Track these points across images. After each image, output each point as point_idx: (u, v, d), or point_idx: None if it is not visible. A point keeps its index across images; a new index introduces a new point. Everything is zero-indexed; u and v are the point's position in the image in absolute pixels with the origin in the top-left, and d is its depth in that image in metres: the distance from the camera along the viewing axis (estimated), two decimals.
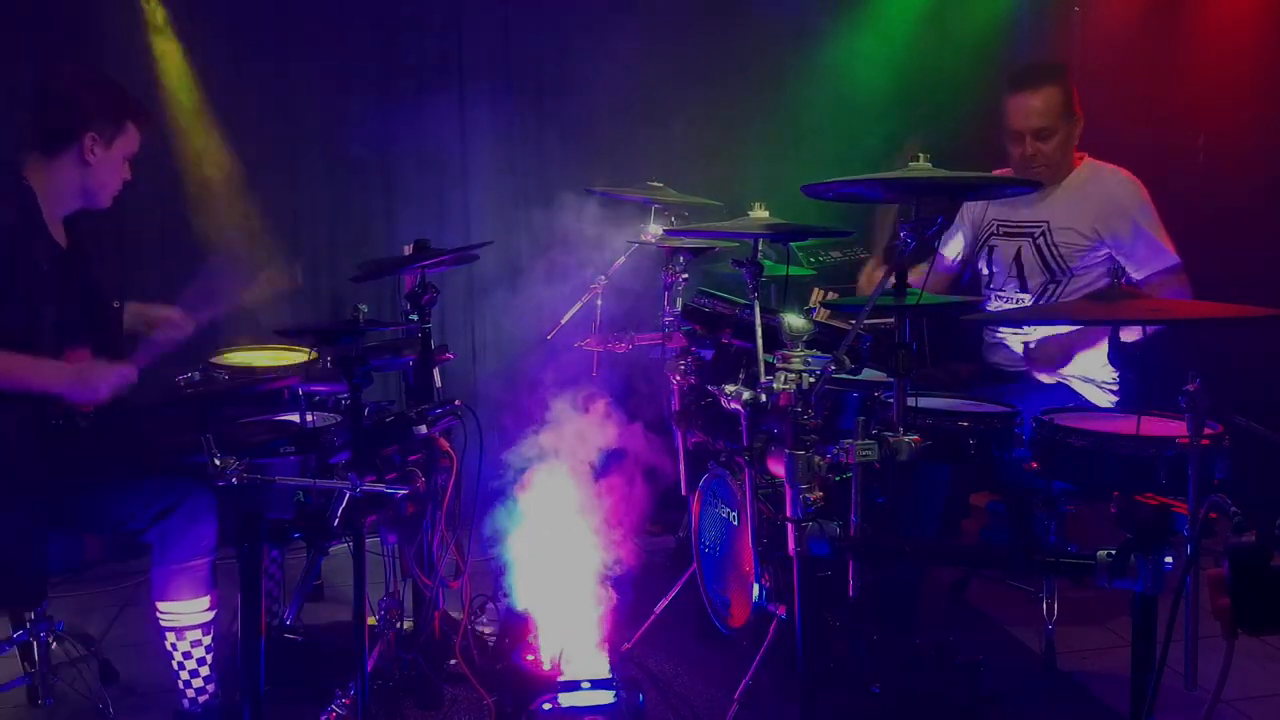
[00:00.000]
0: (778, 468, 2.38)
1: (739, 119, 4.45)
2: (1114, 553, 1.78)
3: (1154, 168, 3.22)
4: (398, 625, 2.70)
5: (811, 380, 2.17)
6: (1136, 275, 3.12)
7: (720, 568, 2.91)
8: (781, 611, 2.52)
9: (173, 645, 2.52)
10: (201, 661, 2.53)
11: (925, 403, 2.47)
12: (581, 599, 2.68)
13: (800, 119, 4.48)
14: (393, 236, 4.15)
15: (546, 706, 2.44)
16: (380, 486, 2.23)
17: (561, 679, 2.49)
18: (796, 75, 4.46)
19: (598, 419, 2.81)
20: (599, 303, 3.39)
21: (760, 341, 2.52)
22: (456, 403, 2.67)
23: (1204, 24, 3.98)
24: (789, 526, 2.05)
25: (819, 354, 2.35)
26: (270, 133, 4.09)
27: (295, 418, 2.58)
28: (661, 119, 4.37)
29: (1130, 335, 2.73)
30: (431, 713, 2.69)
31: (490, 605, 3.00)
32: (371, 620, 2.60)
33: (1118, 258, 3.13)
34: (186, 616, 2.50)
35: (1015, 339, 3.28)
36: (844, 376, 2.17)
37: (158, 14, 3.90)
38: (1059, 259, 3.17)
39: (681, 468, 3.12)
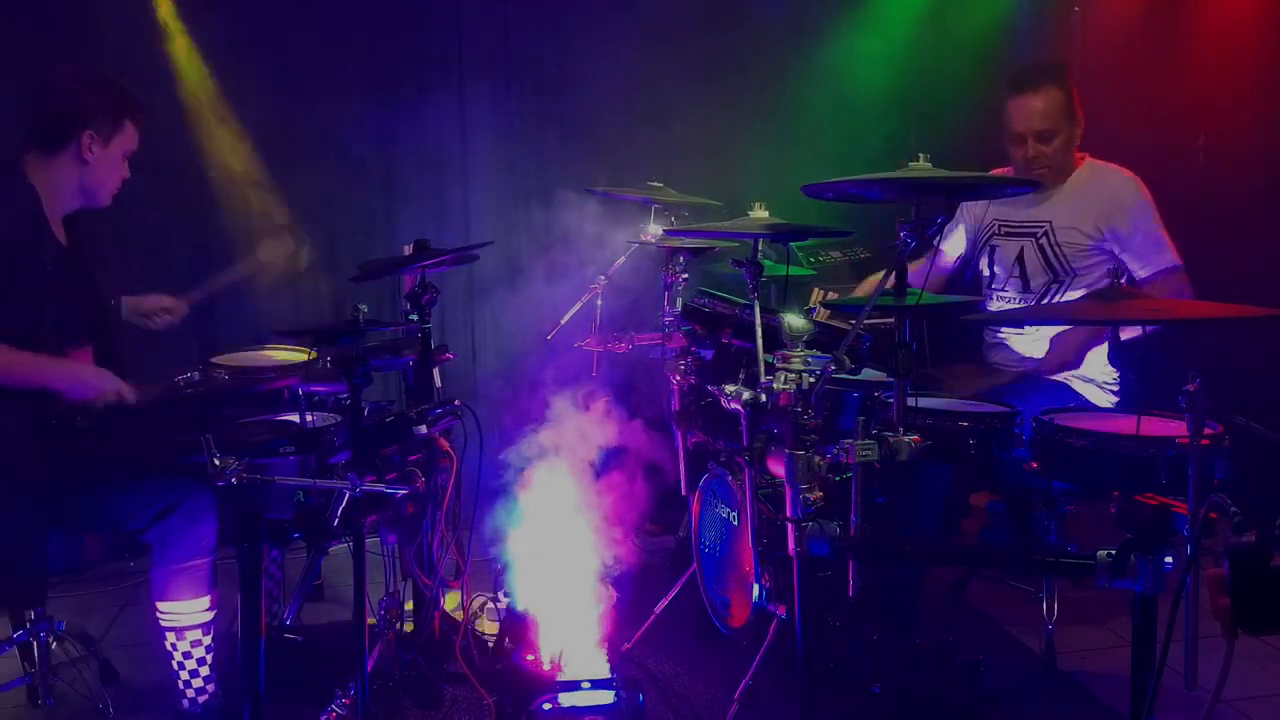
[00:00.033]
0: (778, 468, 2.38)
1: (739, 119, 4.44)
2: (1114, 553, 1.78)
3: (1154, 168, 3.23)
4: (398, 625, 2.70)
5: (811, 380, 2.17)
6: (1140, 275, 3.13)
7: (720, 568, 2.91)
8: (781, 611, 2.52)
9: (173, 645, 2.52)
10: (201, 661, 2.53)
11: (925, 403, 2.47)
12: (581, 599, 2.68)
13: (800, 119, 4.48)
14: (393, 236, 4.15)
15: (546, 706, 2.44)
16: (380, 486, 2.23)
17: (561, 679, 2.49)
18: (796, 75, 4.46)
19: (598, 417, 2.81)
20: (599, 302, 3.39)
21: (760, 341, 2.52)
22: (456, 402, 2.67)
23: (1204, 24, 3.98)
24: (789, 526, 2.05)
25: (819, 354, 2.35)
26: (269, 132, 4.09)
27: (295, 418, 2.58)
28: (661, 119, 4.38)
29: (1129, 333, 2.73)
30: (431, 713, 2.69)
31: (490, 605, 3.00)
32: (371, 620, 2.60)
33: (1121, 257, 3.13)
34: (186, 616, 2.50)
35: (1017, 339, 3.28)
36: (844, 376, 2.17)
37: (164, 9, 3.91)
38: (1062, 259, 3.17)
39: (681, 468, 3.12)
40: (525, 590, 2.74)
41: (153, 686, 2.83)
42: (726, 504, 2.83)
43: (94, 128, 2.56)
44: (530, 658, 2.57)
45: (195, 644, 2.52)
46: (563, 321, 3.46)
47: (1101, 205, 3.13)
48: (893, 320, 2.29)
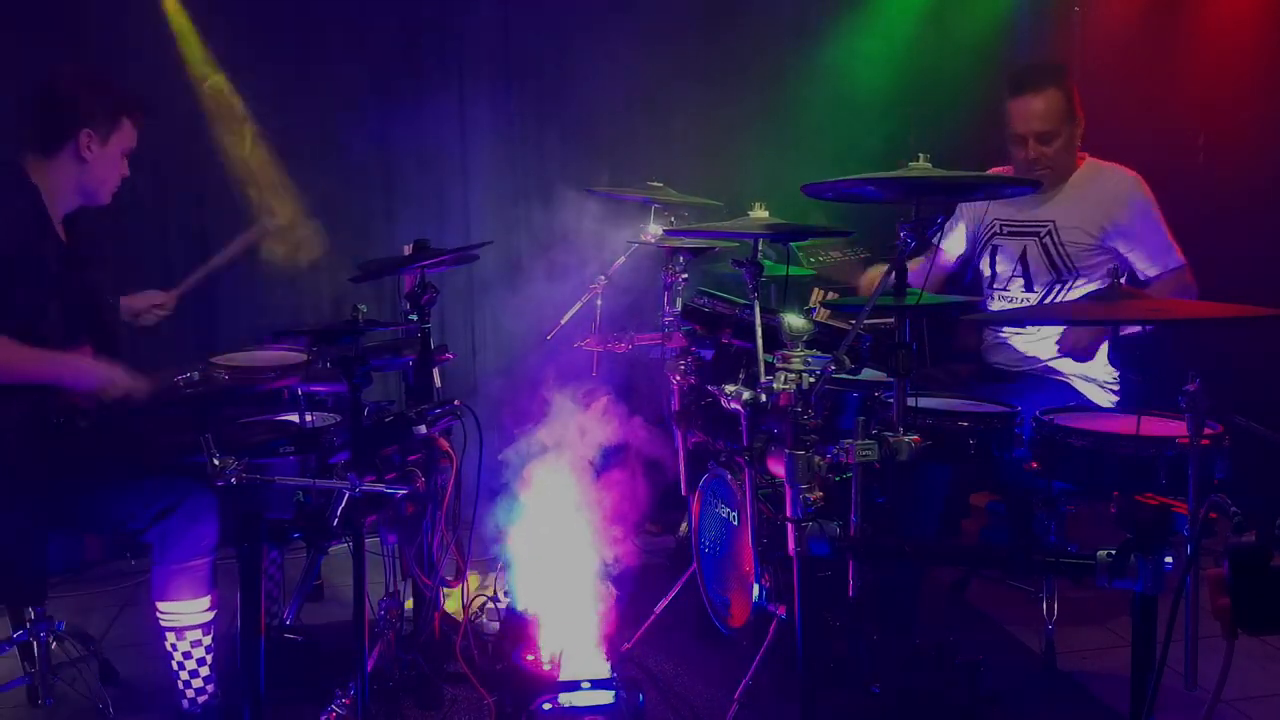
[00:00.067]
0: (778, 468, 2.38)
1: (739, 119, 4.44)
2: (1114, 553, 1.78)
3: (1154, 168, 3.22)
4: (397, 625, 2.70)
5: (811, 380, 2.17)
6: (1144, 274, 3.13)
7: (720, 568, 2.91)
8: (781, 611, 2.52)
9: (173, 645, 2.52)
10: (201, 662, 2.53)
11: (925, 403, 2.47)
12: (581, 599, 2.68)
13: (800, 119, 4.48)
14: (393, 236, 4.14)
15: (546, 706, 2.44)
16: (380, 486, 2.23)
17: (561, 679, 2.49)
18: (796, 75, 4.46)
19: (597, 416, 2.82)
20: (599, 302, 3.39)
21: (760, 341, 2.52)
22: (456, 402, 2.67)
23: (1204, 24, 3.98)
24: (789, 526, 2.05)
25: (819, 354, 2.35)
26: (269, 132, 4.09)
27: (295, 418, 2.58)
28: (661, 119, 4.37)
29: (1130, 328, 2.73)
30: (431, 713, 2.69)
31: (490, 605, 3.00)
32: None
33: (1125, 256, 3.13)
34: (187, 616, 2.50)
35: (1018, 339, 3.28)
36: (844, 376, 2.17)
37: (171, 8, 3.92)
38: (1066, 258, 3.17)
39: (681, 468, 3.12)
40: (525, 590, 2.74)
41: (153, 686, 2.83)
42: (726, 504, 2.83)
43: (92, 126, 2.56)
44: (530, 658, 2.57)
45: (195, 644, 2.52)
46: (563, 321, 3.46)
47: (1104, 204, 3.13)
48: (893, 320, 2.29)
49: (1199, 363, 1.85)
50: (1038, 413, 2.35)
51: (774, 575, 2.56)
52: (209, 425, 2.14)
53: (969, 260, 3.49)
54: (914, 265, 3.00)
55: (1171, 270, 3.11)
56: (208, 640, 2.54)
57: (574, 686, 2.47)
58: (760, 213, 2.62)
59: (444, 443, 2.64)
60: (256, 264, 3.56)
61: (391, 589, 2.73)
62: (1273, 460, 1.96)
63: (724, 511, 2.85)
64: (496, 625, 2.95)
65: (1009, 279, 3.29)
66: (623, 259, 3.43)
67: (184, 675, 2.53)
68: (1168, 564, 1.76)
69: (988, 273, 3.37)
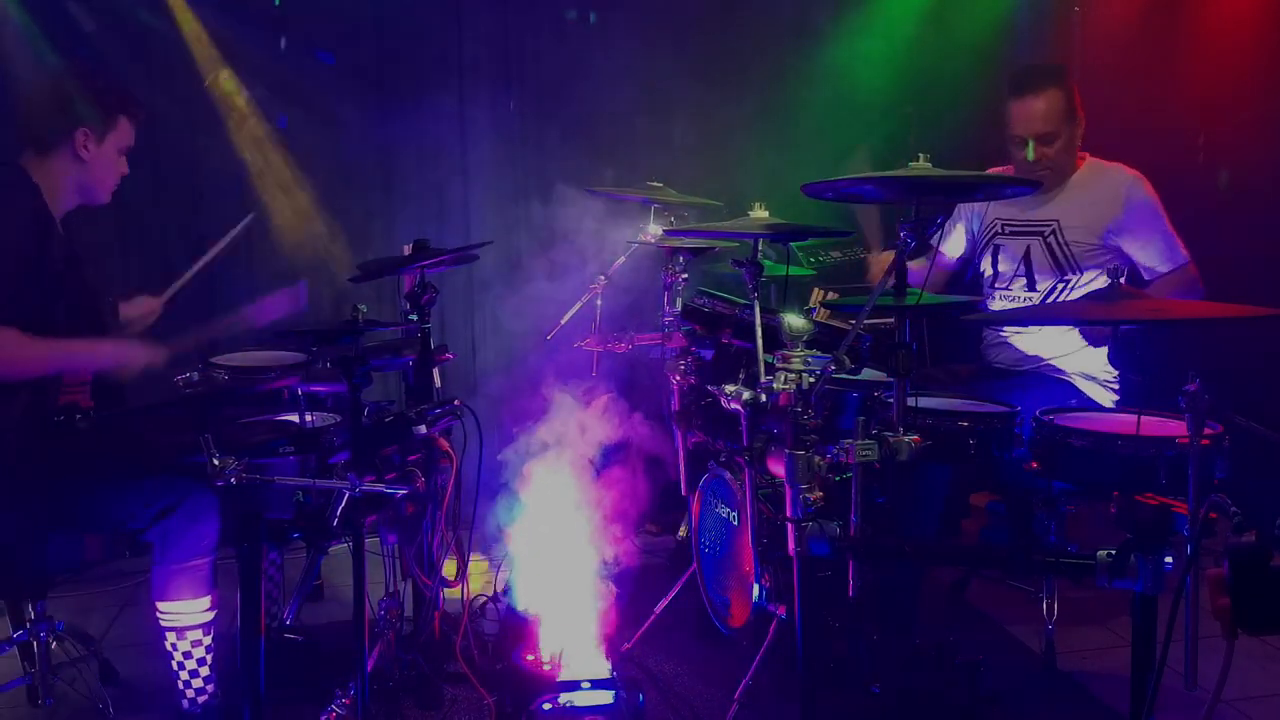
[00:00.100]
0: (778, 468, 2.38)
1: (739, 119, 4.44)
2: (1114, 553, 1.78)
3: (1154, 168, 3.23)
4: (397, 625, 2.70)
5: (811, 380, 2.17)
6: (1149, 272, 3.12)
7: (720, 568, 2.91)
8: (781, 611, 2.52)
9: (173, 645, 2.52)
10: (202, 662, 2.53)
11: (925, 403, 2.47)
12: (582, 598, 2.68)
13: (800, 119, 4.47)
14: (393, 236, 4.15)
15: (546, 706, 2.45)
16: (380, 486, 2.23)
17: (561, 679, 2.49)
18: (797, 75, 4.45)
19: (598, 415, 2.82)
20: (599, 302, 3.39)
21: (760, 341, 2.52)
22: (456, 402, 2.67)
23: (1204, 24, 3.98)
24: (789, 526, 2.05)
25: (819, 354, 2.35)
26: (269, 131, 4.09)
27: (295, 418, 2.58)
28: (661, 119, 4.37)
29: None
30: (431, 713, 2.69)
31: (490, 605, 3.00)
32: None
33: (1129, 254, 3.13)
34: (187, 616, 2.50)
35: (1019, 337, 3.28)
36: (844, 376, 2.17)
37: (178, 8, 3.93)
38: (1070, 257, 3.17)
39: (681, 468, 3.12)
40: (525, 590, 2.74)
41: (153, 686, 2.83)
42: (726, 504, 2.83)
43: (87, 125, 2.56)
44: (530, 658, 2.57)
45: (195, 644, 2.52)
46: (562, 321, 3.46)
47: (1107, 204, 3.13)
48: (893, 320, 2.29)
49: (1199, 363, 1.85)
50: (1038, 412, 2.35)
51: (774, 575, 2.56)
52: (209, 425, 2.14)
53: (969, 261, 3.49)
54: (916, 265, 3.01)
55: (1177, 267, 3.11)
56: (208, 640, 2.54)
57: (574, 686, 2.47)
58: (760, 213, 2.62)
59: (444, 443, 2.64)
60: (256, 264, 3.57)
61: (391, 589, 2.73)
62: (1273, 460, 1.96)
63: (724, 511, 2.85)
64: (496, 625, 2.95)
65: (1011, 278, 3.29)
66: (623, 259, 3.43)
67: (184, 675, 2.53)
68: (1168, 564, 1.77)
69: (989, 272, 3.37)
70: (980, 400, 2.62)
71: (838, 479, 2.20)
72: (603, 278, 3.40)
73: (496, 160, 4.32)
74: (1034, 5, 4.54)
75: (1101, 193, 3.16)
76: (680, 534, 3.68)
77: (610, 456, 2.88)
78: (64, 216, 2.64)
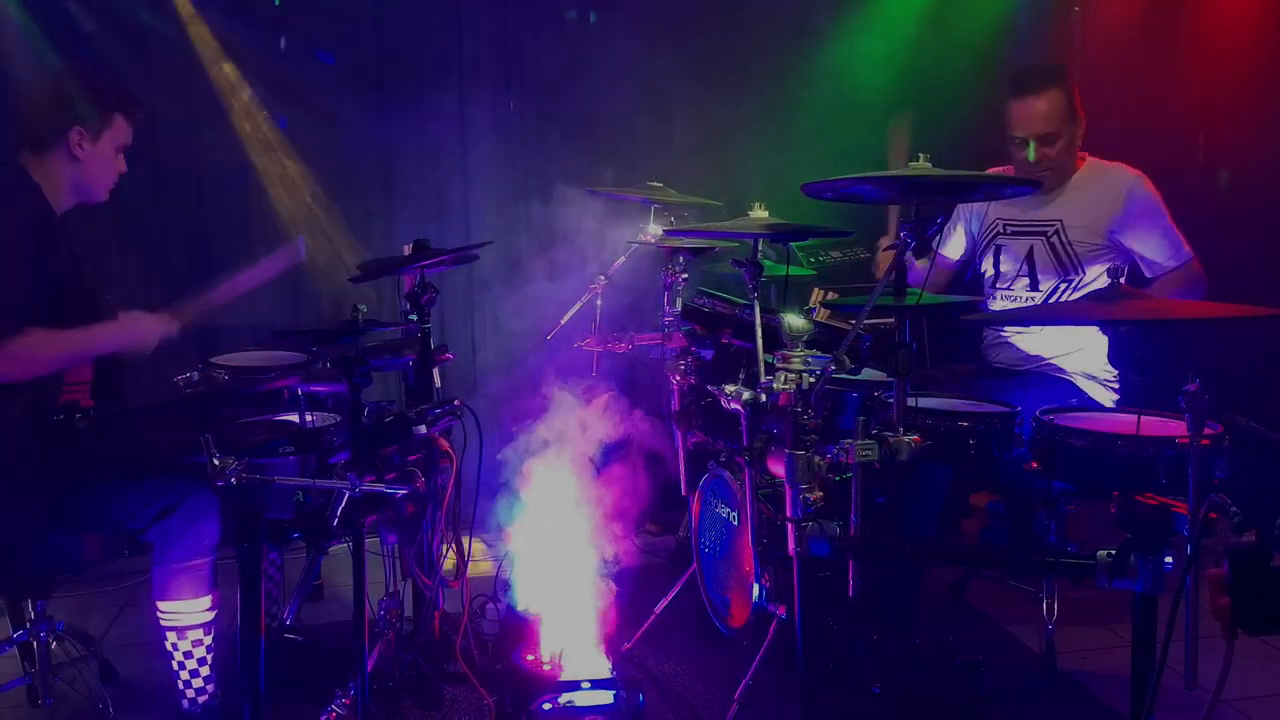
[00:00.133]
0: (778, 468, 2.38)
1: (739, 119, 4.44)
2: (1114, 553, 1.78)
3: (1154, 168, 3.23)
4: (398, 625, 2.70)
5: (811, 380, 2.17)
6: (1160, 266, 3.12)
7: (720, 568, 2.91)
8: (781, 611, 2.52)
9: (173, 645, 2.52)
10: (202, 661, 2.53)
11: (925, 403, 2.47)
12: (581, 598, 2.68)
13: (800, 119, 4.47)
14: (393, 236, 4.15)
15: (546, 706, 2.45)
16: (380, 486, 2.23)
17: (561, 679, 2.49)
18: (796, 75, 4.45)
19: (598, 415, 2.82)
20: (599, 302, 3.39)
21: (760, 341, 2.52)
22: (456, 402, 2.67)
23: (1204, 24, 3.98)
24: (789, 526, 2.05)
25: (819, 354, 2.35)
26: (269, 131, 4.09)
27: (295, 418, 2.58)
28: (661, 119, 4.37)
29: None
30: (431, 713, 2.69)
31: (490, 605, 3.00)
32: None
33: (1132, 253, 3.13)
34: (187, 616, 2.50)
35: (1020, 337, 3.28)
36: (844, 376, 2.17)
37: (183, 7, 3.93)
38: (1073, 257, 3.17)
39: (681, 468, 3.12)
40: (525, 590, 2.74)
41: (153, 686, 2.83)
42: (726, 504, 2.83)
43: (81, 124, 2.55)
44: (530, 658, 2.57)
45: (196, 644, 2.52)
46: (562, 321, 3.46)
47: (1109, 203, 3.14)
48: (893, 320, 2.29)
49: (1199, 363, 1.85)
50: (1038, 412, 2.35)
51: (774, 575, 2.56)
52: (209, 425, 2.14)
53: (970, 261, 3.49)
54: (921, 264, 3.01)
55: (1181, 264, 3.11)
56: (208, 640, 2.54)
57: (574, 686, 2.47)
58: (760, 213, 2.62)
59: (444, 442, 2.64)
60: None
61: (391, 589, 2.73)
62: (1273, 460, 1.96)
63: (724, 511, 2.85)
64: (496, 625, 2.95)
65: (1014, 278, 3.29)
66: (623, 259, 3.43)
67: (184, 675, 2.53)
68: (1168, 564, 1.77)
69: (990, 272, 3.36)
70: (980, 400, 2.62)
71: (838, 479, 2.20)
72: (603, 278, 3.40)
73: (496, 160, 4.31)
74: (1034, 5, 4.54)
75: (1103, 192, 3.16)
76: (680, 533, 3.68)
77: (611, 453, 2.88)
78: (62, 215, 2.64)
